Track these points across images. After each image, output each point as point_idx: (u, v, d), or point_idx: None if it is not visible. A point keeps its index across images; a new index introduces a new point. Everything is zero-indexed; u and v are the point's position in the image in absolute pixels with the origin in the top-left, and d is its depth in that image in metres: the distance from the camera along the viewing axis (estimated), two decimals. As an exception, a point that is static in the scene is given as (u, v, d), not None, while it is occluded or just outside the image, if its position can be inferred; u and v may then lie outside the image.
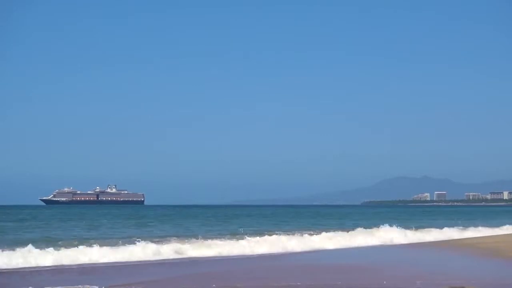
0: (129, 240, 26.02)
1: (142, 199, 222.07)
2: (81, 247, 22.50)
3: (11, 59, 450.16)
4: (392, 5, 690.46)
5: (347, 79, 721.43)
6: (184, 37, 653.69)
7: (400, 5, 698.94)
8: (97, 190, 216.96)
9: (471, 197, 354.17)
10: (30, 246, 21.57)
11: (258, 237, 28.20)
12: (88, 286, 14.29)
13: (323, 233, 31.77)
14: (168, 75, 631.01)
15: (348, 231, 33.29)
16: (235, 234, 31.79)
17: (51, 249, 21.43)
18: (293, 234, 31.83)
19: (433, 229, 37.81)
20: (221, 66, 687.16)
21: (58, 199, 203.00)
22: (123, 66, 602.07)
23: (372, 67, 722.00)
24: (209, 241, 26.63)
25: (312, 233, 32.76)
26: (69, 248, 22.48)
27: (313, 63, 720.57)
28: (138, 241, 24.15)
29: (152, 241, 25.00)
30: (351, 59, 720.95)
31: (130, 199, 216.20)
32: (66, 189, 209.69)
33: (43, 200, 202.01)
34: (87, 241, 25.37)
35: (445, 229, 38.33)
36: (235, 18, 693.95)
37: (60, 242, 25.86)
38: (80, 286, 14.28)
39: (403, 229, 35.28)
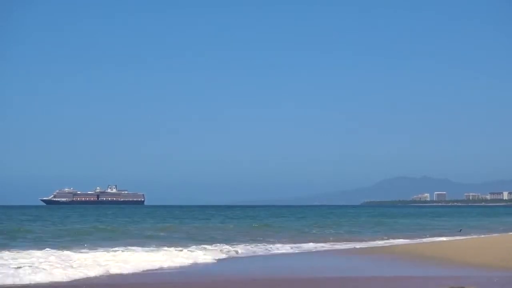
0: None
1: (143, 199, 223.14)
2: None
3: (11, 59, 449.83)
4: (392, 5, 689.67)
5: (347, 79, 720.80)
6: (184, 37, 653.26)
7: (400, 5, 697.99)
8: (98, 190, 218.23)
9: (470, 197, 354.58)
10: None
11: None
12: None
13: None
14: (167, 75, 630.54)
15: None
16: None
17: None
18: None
19: None
20: (221, 66, 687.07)
21: (59, 199, 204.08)
22: (123, 66, 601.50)
23: (372, 67, 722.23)
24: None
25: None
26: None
27: (313, 63, 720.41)
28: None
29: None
30: (351, 59, 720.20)
31: (131, 199, 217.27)
32: (66, 190, 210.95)
33: (43, 201, 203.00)
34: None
35: None
36: (235, 18, 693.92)
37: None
38: None
39: None
